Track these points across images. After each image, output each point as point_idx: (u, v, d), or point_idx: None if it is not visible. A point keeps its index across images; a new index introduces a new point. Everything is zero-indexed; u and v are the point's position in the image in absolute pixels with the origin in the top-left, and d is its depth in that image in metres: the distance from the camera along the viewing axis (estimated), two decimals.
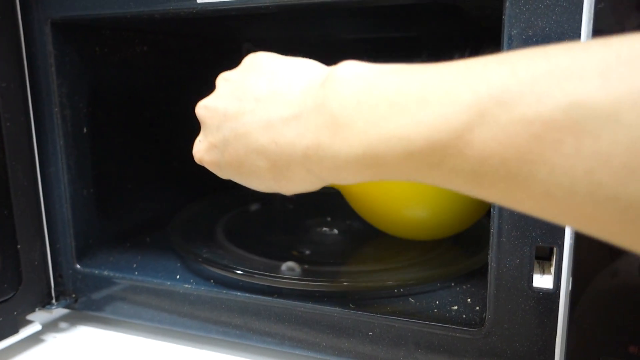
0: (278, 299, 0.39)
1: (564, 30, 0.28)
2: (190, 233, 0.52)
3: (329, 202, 0.48)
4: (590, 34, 0.27)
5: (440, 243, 0.48)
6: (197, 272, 0.44)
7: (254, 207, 0.65)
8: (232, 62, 0.74)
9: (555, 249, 0.31)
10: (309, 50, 0.69)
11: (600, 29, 0.27)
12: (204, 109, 0.32)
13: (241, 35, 0.68)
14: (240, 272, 0.41)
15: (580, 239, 0.30)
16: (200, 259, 0.44)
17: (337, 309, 0.37)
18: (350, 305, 0.38)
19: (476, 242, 0.47)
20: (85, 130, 0.47)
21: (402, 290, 0.40)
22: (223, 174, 0.32)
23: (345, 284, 0.40)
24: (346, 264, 0.48)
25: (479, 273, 0.42)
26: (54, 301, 0.47)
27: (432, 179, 0.22)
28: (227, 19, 0.47)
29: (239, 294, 0.40)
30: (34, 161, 0.45)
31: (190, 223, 0.55)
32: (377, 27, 0.60)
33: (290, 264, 0.44)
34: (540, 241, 0.31)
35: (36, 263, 0.45)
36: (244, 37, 0.70)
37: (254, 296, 0.40)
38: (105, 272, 0.45)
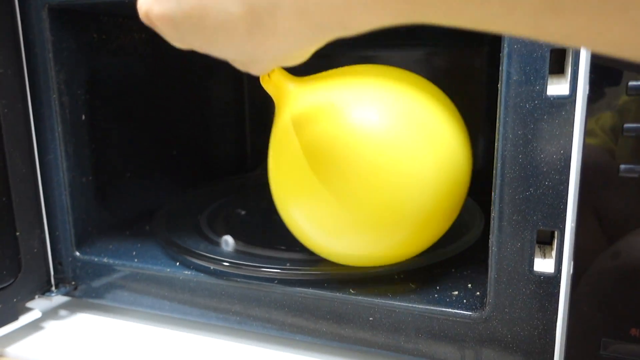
0: (278, 285, 0.39)
1: None
2: (177, 223, 0.51)
3: None
4: None
5: None
6: None
7: (246, 194, 0.65)
8: None
9: (556, 233, 0.31)
10: None
11: None
12: None
13: None
14: (227, 264, 0.40)
15: (581, 223, 0.30)
16: (178, 250, 0.44)
17: (337, 294, 0.37)
18: (351, 290, 0.37)
19: (462, 223, 0.47)
20: (83, 117, 0.47)
21: (402, 276, 0.40)
22: (179, 36, 0.23)
23: (321, 272, 0.39)
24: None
25: (480, 258, 0.42)
26: (53, 288, 0.47)
27: (491, 7, 0.15)
28: None
29: (238, 280, 0.40)
30: (32, 148, 0.44)
31: (178, 212, 0.55)
32: None
33: (226, 237, 0.46)
34: (542, 225, 0.31)
35: (35, 250, 0.45)
36: None
37: (253, 282, 0.40)
38: (105, 260, 0.45)
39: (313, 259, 0.43)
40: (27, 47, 0.43)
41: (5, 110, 0.42)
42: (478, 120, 0.62)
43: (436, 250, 0.41)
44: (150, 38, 0.55)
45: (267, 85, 0.37)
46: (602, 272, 0.29)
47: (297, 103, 0.36)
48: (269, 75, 0.37)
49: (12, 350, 0.42)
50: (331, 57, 0.69)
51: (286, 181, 0.36)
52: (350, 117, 0.33)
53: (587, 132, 0.28)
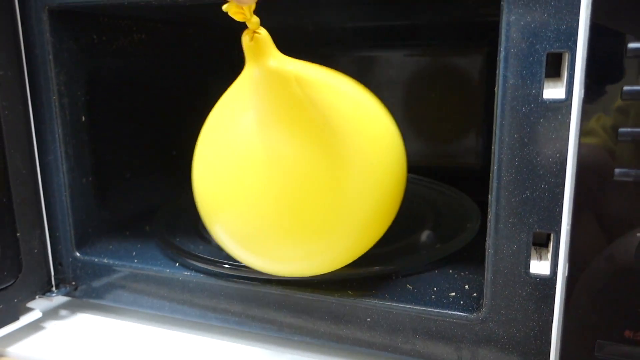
0: (277, 286, 0.39)
1: (563, 15, 0.28)
2: (177, 224, 0.52)
3: None
4: (589, 18, 0.27)
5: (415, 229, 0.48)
6: None
7: None
8: (231, 50, 0.74)
9: (552, 235, 0.31)
10: (306, 39, 0.69)
11: (599, 14, 0.27)
12: None
13: (239, 24, 0.68)
14: (227, 266, 0.41)
15: (577, 226, 0.30)
16: (178, 252, 0.44)
17: (335, 295, 0.37)
18: (349, 292, 0.38)
19: (456, 224, 0.47)
20: (83, 118, 0.47)
21: (399, 277, 0.40)
22: None
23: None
24: None
25: (477, 260, 0.42)
26: (54, 289, 0.47)
27: None
28: None
29: (237, 281, 0.40)
30: (32, 149, 0.45)
31: (178, 213, 0.55)
32: (375, 16, 0.60)
33: None
34: (538, 227, 0.31)
35: (36, 251, 0.45)
36: (242, 26, 0.70)
37: (252, 283, 0.40)
38: (105, 260, 0.45)
39: None
40: (27, 49, 0.44)
41: (6, 111, 0.42)
42: (476, 122, 0.62)
43: (433, 249, 0.42)
44: (150, 39, 0.55)
45: (247, 46, 0.33)
46: (597, 274, 0.29)
47: (260, 77, 0.33)
48: (253, 34, 0.33)
49: (13, 350, 0.42)
50: (331, 57, 0.69)
51: (209, 161, 0.33)
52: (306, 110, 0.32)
53: (587, 132, 0.28)
